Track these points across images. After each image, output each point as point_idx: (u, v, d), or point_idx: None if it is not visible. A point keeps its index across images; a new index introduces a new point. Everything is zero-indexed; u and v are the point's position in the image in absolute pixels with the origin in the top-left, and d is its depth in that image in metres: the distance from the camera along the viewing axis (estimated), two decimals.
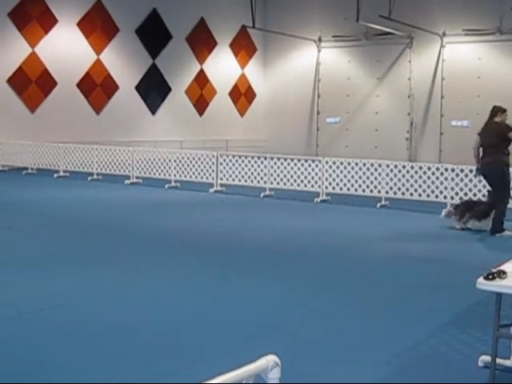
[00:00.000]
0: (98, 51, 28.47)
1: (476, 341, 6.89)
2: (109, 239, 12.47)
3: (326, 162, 19.05)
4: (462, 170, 16.95)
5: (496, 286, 4.91)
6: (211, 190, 20.42)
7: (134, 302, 8.27)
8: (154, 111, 30.91)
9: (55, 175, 23.52)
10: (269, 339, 6.88)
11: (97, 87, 28.48)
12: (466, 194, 16.69)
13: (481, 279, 4.94)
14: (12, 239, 12.41)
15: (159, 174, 21.94)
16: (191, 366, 6.03)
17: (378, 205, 17.70)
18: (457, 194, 16.93)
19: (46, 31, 26.65)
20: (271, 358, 3.14)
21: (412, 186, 17.73)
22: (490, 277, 4.94)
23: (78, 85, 27.84)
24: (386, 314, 8.00)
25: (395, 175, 18.08)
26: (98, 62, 28.48)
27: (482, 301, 7.98)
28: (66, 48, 27.19)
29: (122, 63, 29.40)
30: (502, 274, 5.00)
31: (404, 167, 18.10)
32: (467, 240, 13.25)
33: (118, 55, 29.21)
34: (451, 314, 7.96)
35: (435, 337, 7.09)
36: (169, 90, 31.36)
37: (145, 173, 22.23)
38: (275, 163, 19.88)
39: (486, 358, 5.94)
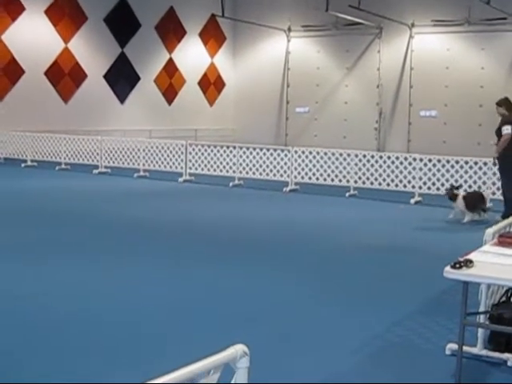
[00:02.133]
0: (66, 39, 28.21)
1: (443, 329, 6.95)
2: (78, 229, 12.39)
3: (295, 152, 19.08)
4: (430, 160, 17.06)
5: (463, 274, 4.94)
6: (180, 180, 20.36)
7: (102, 291, 8.23)
8: (122, 100, 30.71)
9: (23, 165, 23.33)
10: (237, 329, 6.88)
11: (65, 76, 28.23)
12: (433, 184, 16.80)
13: (448, 268, 4.97)
14: None
15: (128, 164, 21.83)
16: (158, 357, 6.02)
17: (347, 194, 17.77)
18: (425, 183, 17.05)
19: (13, 19, 26.34)
20: (240, 348, 3.13)
21: (380, 175, 17.82)
22: (457, 266, 4.97)
23: (46, 73, 27.57)
24: (354, 303, 8.03)
25: (364, 165, 18.16)
26: (66, 50, 28.22)
27: (449, 290, 8.05)
28: (33, 36, 26.90)
29: (91, 52, 29.16)
30: (468, 262, 5.03)
31: (373, 157, 18.18)
32: (436, 229, 13.34)
33: (86, 44, 28.96)
34: (419, 303, 8.02)
35: (403, 325, 7.13)
36: (137, 78, 31.17)
37: (113, 162, 22.11)
38: (244, 153, 19.87)
39: (454, 346, 5.99)
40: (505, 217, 13.71)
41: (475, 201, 14.10)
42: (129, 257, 10.15)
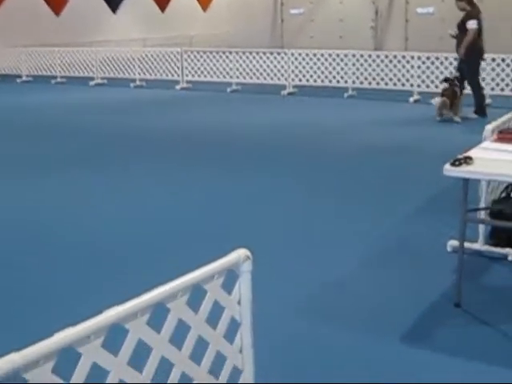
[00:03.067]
0: None
1: (445, 226, 6.99)
2: (81, 142, 12.36)
3: (292, 54, 18.88)
4: (428, 58, 16.89)
5: (462, 171, 4.94)
6: (177, 87, 20.22)
7: (107, 202, 8.29)
8: (114, 10, 30.23)
9: (18, 80, 23.12)
10: (237, 235, 6.92)
11: None
12: (432, 82, 16.67)
13: (447, 166, 4.97)
14: None
15: (124, 74, 21.64)
16: (162, 262, 6.08)
17: (345, 95, 17.67)
18: (423, 81, 16.93)
19: None
20: (242, 252, 3.17)
21: (378, 74, 17.70)
22: (457, 163, 4.97)
23: None
24: (354, 204, 8.08)
25: (361, 65, 18.01)
26: None
27: (451, 188, 8.07)
28: None
29: None
30: (468, 159, 5.03)
31: (370, 56, 18.02)
32: (437, 126, 13.32)
33: None
34: (420, 201, 8.07)
35: (405, 224, 7.20)
36: None
37: (109, 73, 21.92)
38: (240, 57, 19.67)
39: (455, 243, 6.04)
40: (478, 111, 13.82)
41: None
42: (130, 167, 10.17)
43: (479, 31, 13.62)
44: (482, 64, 14.62)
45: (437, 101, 13.65)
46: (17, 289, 5.70)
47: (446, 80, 13.96)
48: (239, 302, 3.23)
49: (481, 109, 13.92)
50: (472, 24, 13.44)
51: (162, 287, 2.78)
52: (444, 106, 13.54)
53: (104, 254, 6.51)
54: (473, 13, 13.61)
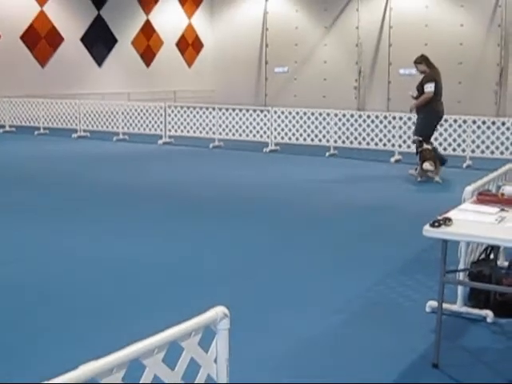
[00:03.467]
0: (42, 3, 27.83)
1: (423, 287, 7.01)
2: (59, 193, 12.34)
3: (275, 112, 19.04)
4: (409, 118, 17.06)
5: (442, 232, 4.97)
6: (160, 142, 20.31)
7: (80, 254, 8.23)
8: (100, 63, 30.45)
9: (1, 130, 23.15)
10: (215, 289, 6.89)
11: (41, 39, 27.92)
12: (414, 142, 16.81)
13: (427, 226, 4.99)
14: None
15: (107, 127, 21.73)
16: (139, 320, 6.03)
17: (327, 154, 17.79)
18: (404, 142, 17.09)
19: None
20: (220, 310, 3.16)
21: (360, 134, 17.85)
22: (436, 224, 5.00)
23: (22, 37, 27.26)
24: (334, 262, 8.08)
25: (343, 124, 18.17)
26: (41, 13, 27.88)
27: (429, 248, 8.10)
28: (8, 0, 26.56)
29: (67, 14, 28.81)
30: (447, 221, 5.06)
31: (352, 116, 18.19)
32: (414, 187, 13.40)
33: (61, 6, 28.61)
34: (399, 261, 8.07)
35: (383, 284, 7.19)
36: (115, 41, 30.89)
37: (92, 126, 22.00)
38: (223, 114, 19.82)
39: (434, 304, 6.04)
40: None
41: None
42: (109, 220, 10.14)
43: (438, 93, 13.96)
44: (442, 125, 14.86)
45: (420, 170, 13.83)
46: None
47: (421, 142, 14.08)
48: (215, 360, 3.21)
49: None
50: (429, 87, 13.82)
51: (138, 343, 2.76)
52: (430, 170, 13.66)
53: (77, 307, 6.44)
54: (431, 76, 14.02)
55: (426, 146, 13.84)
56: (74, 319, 6.14)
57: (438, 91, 13.91)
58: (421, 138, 14.02)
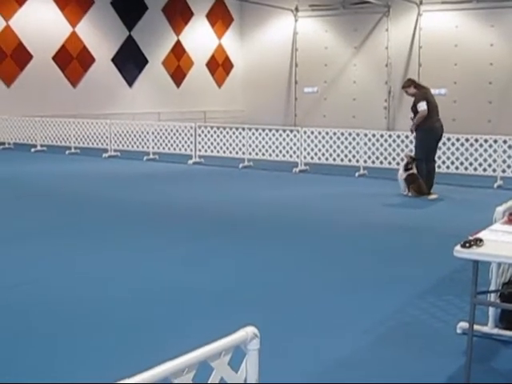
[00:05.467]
0: (74, 23, 28.19)
1: (454, 308, 6.95)
2: (90, 213, 12.42)
3: (304, 132, 19.06)
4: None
5: (473, 253, 4.93)
6: (190, 162, 20.39)
7: (111, 274, 8.26)
8: (131, 83, 30.72)
9: (32, 150, 23.38)
10: (245, 310, 6.89)
11: (73, 60, 28.24)
12: (443, 163, 16.78)
13: (458, 247, 4.96)
14: None
15: (137, 147, 21.86)
16: (168, 340, 6.04)
17: (357, 174, 17.75)
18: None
19: (20, 4, 26.34)
20: (250, 330, 3.15)
21: (390, 154, 17.81)
22: (467, 245, 4.96)
23: (54, 58, 27.59)
24: (363, 283, 8.03)
25: (373, 144, 18.14)
26: (73, 34, 28.21)
27: (460, 268, 8.04)
28: (40, 21, 26.90)
29: (98, 35, 29.14)
30: (478, 241, 5.02)
31: (382, 136, 18.15)
32: (445, 206, 13.32)
33: (93, 27, 28.94)
34: (429, 282, 8.02)
35: (413, 305, 7.14)
36: (145, 61, 31.16)
37: (123, 146, 22.15)
38: (253, 134, 19.86)
39: (464, 325, 6.00)
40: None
41: None
42: (141, 240, 10.17)
43: (432, 110, 14.08)
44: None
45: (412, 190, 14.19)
46: None
47: (413, 159, 14.31)
48: (245, 380, 3.20)
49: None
50: (421, 106, 13.96)
51: (168, 363, 2.76)
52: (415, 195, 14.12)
53: (105, 327, 6.46)
54: (421, 95, 14.12)
55: (412, 170, 14.17)
56: (102, 339, 6.15)
57: (431, 109, 14.07)
58: (412, 155, 14.50)
